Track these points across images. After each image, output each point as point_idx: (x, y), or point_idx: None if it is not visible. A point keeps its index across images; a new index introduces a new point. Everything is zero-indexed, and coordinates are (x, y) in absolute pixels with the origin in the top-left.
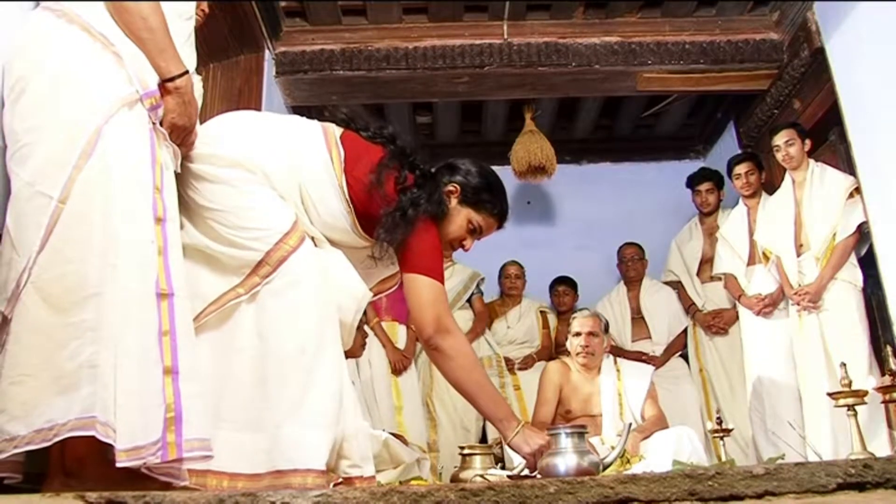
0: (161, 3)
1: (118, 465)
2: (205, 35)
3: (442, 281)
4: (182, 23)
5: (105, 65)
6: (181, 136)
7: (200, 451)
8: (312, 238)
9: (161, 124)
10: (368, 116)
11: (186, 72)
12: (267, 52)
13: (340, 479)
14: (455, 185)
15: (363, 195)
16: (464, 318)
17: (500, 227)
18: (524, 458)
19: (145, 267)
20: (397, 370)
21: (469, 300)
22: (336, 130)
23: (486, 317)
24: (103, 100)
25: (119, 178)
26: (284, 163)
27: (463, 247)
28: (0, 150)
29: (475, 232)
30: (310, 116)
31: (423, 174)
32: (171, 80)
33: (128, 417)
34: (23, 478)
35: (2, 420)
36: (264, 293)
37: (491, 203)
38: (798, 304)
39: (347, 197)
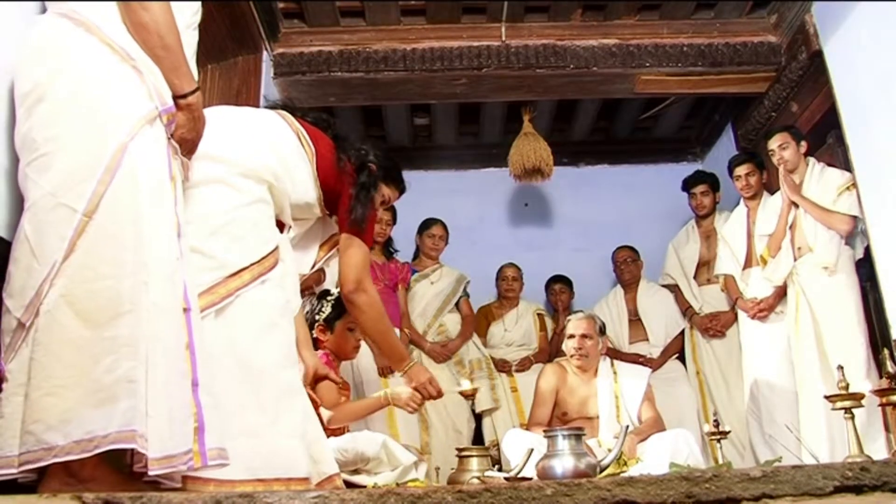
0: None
1: (151, 473)
2: (203, 36)
3: (371, 248)
4: (190, 34)
5: (126, 79)
6: (188, 150)
7: (220, 460)
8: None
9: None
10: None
11: (198, 88)
12: (265, 53)
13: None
14: (372, 165)
15: (330, 171)
16: (454, 322)
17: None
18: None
19: (173, 283)
20: (384, 373)
21: (457, 303)
22: (289, 116)
23: (473, 319)
24: (127, 115)
25: (147, 196)
26: (272, 158)
27: None
28: (8, 150)
29: (383, 204)
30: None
31: (356, 155)
32: (184, 96)
33: (158, 427)
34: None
35: (38, 429)
36: (234, 307)
37: (399, 178)
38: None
39: (315, 170)
